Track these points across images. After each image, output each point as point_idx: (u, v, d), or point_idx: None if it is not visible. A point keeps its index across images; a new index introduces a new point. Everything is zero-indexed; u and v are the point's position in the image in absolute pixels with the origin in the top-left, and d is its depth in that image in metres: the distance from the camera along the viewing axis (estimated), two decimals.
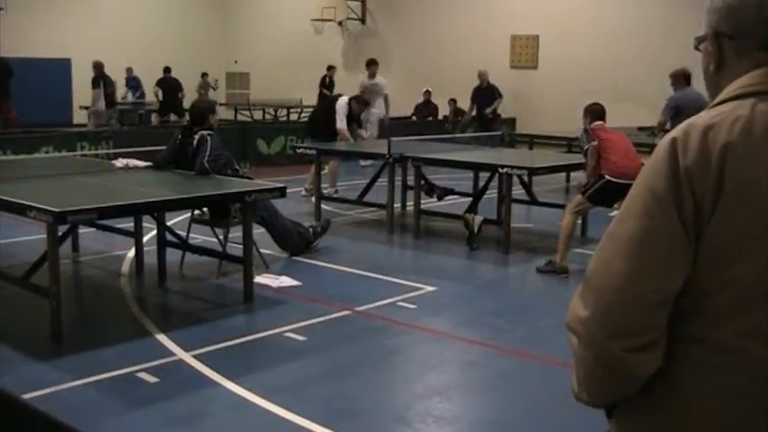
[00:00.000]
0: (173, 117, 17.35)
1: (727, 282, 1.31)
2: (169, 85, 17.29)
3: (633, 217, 1.35)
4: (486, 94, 13.78)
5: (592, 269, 1.39)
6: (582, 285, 1.40)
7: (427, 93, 17.63)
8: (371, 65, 13.03)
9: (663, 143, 1.36)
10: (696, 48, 1.50)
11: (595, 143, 6.60)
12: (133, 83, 19.14)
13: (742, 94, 1.36)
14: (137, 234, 6.40)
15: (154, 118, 18.11)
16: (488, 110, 13.70)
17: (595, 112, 6.92)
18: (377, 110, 12.73)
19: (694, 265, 1.32)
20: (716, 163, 1.29)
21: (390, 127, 13.02)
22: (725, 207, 1.29)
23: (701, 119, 1.36)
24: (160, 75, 17.68)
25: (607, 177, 6.48)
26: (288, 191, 5.89)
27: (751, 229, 1.29)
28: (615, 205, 6.84)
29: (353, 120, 10.25)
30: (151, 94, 18.37)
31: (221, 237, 6.46)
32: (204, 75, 21.44)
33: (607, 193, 6.59)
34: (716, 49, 1.44)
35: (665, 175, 1.32)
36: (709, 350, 1.34)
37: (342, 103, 10.14)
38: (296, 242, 7.01)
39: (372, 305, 5.64)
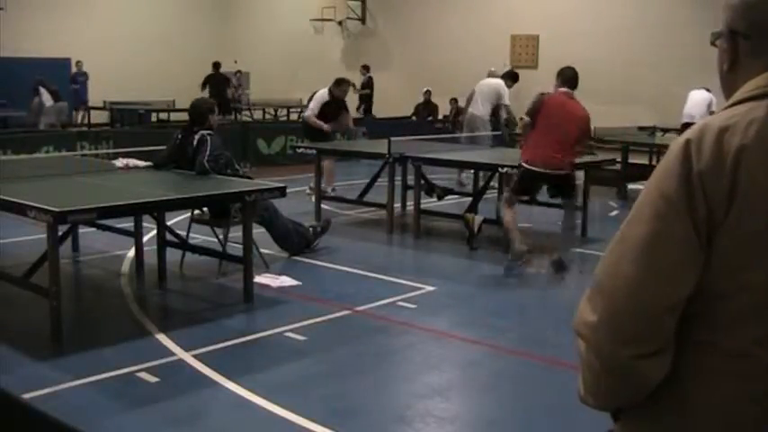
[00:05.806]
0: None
1: (740, 287, 1.28)
2: (216, 81, 16.93)
3: (643, 220, 1.31)
4: None
5: (600, 273, 1.35)
6: (590, 289, 1.37)
7: (427, 93, 17.63)
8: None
9: (676, 144, 1.32)
10: (713, 43, 1.45)
11: (527, 119, 6.29)
12: (80, 78, 19.03)
13: (757, 95, 1.32)
14: (137, 234, 6.40)
15: (153, 117, 18.06)
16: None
17: (565, 78, 6.27)
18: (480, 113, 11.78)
19: (705, 269, 1.28)
20: (730, 166, 1.26)
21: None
22: (738, 211, 1.25)
23: (715, 120, 1.31)
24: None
25: (523, 165, 6.28)
26: (288, 191, 5.89)
27: (765, 234, 1.26)
28: (614, 204, 6.84)
29: (339, 106, 10.14)
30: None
31: (221, 237, 6.46)
32: (238, 72, 21.27)
33: (527, 181, 6.36)
34: (730, 47, 1.39)
35: (677, 177, 1.28)
36: (720, 356, 1.31)
37: (320, 92, 10.09)
38: (296, 242, 7.01)
39: (372, 305, 5.63)
